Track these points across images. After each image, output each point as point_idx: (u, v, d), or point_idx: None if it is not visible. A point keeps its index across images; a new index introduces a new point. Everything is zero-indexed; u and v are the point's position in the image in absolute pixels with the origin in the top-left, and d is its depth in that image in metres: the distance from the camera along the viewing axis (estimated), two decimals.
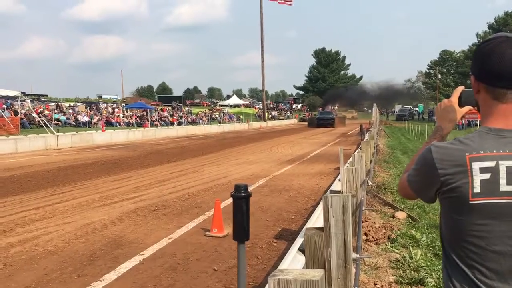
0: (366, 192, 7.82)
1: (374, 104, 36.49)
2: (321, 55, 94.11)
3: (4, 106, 30.86)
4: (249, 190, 2.05)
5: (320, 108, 73.93)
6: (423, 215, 6.96)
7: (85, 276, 4.58)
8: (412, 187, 1.43)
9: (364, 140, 13.14)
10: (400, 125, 46.67)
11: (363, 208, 5.69)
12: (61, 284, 4.39)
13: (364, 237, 5.65)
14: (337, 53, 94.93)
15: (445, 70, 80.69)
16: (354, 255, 3.40)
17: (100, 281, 4.45)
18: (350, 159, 6.79)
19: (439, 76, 78.11)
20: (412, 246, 5.27)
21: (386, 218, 6.81)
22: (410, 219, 6.73)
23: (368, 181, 8.77)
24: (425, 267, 4.51)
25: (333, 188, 6.00)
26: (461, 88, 1.59)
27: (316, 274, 1.54)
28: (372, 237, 5.74)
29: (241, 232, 2.07)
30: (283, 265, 2.69)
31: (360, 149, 10.13)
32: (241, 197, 2.08)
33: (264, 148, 20.60)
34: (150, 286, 4.34)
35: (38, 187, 9.90)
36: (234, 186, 2.09)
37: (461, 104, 1.56)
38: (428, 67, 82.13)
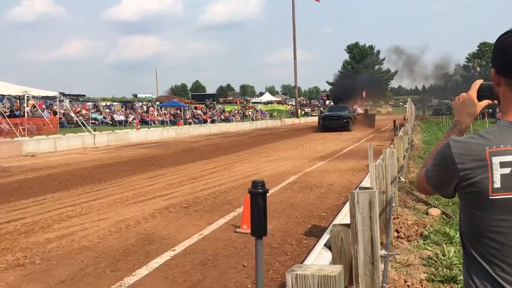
0: (399, 188, 7.69)
1: (409, 99, 36.53)
2: (354, 49, 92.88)
3: (44, 106, 31.91)
4: (266, 186, 2.05)
5: (325, 100, 60.45)
6: (458, 212, 6.79)
7: (118, 271, 4.70)
8: (430, 183, 1.41)
9: (398, 135, 12.92)
10: (437, 120, 43.52)
11: (394, 204, 5.59)
12: (95, 279, 4.52)
13: (395, 234, 5.57)
14: (371, 47, 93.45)
15: (484, 63, 78.36)
16: (382, 252, 3.35)
17: (133, 276, 4.56)
18: (382, 155, 6.70)
19: (478, 69, 75.88)
20: (445, 243, 5.16)
21: (419, 215, 6.68)
22: (444, 216, 6.58)
23: (401, 177, 8.62)
24: (458, 265, 4.40)
25: (363, 184, 5.95)
26: (480, 81, 1.56)
27: (334, 269, 1.54)
28: (404, 234, 5.64)
29: (258, 227, 2.08)
30: (308, 261, 2.68)
31: (393, 145, 9.97)
32: (258, 193, 2.09)
33: (296, 145, 20.54)
34: (180, 281, 4.41)
35: (75, 185, 10.20)
36: (252, 182, 2.10)
37: (479, 98, 1.52)
38: (466, 60, 79.95)
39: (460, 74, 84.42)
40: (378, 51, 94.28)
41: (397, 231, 5.68)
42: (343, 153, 16.57)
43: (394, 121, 19.77)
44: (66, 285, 4.36)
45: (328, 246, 3.19)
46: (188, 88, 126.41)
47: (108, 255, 5.22)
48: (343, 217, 3.92)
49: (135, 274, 4.59)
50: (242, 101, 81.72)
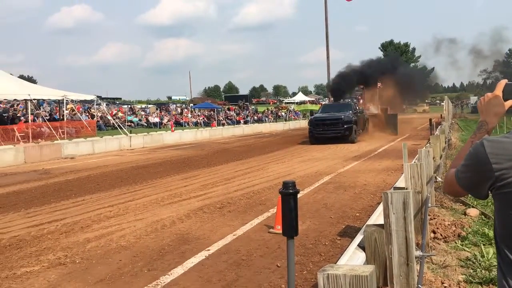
0: (435, 188, 7.53)
1: (446, 97, 34.79)
2: (389, 47, 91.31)
3: (82, 109, 32.82)
4: (297, 187, 2.06)
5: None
6: None
7: (154, 270, 4.80)
8: (462, 184, 1.40)
9: (434, 134, 12.64)
10: (475, 118, 42.90)
11: (430, 205, 5.48)
12: (132, 278, 4.63)
13: (432, 234, 5.46)
14: (406, 45, 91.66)
15: None
16: (417, 253, 3.30)
17: (168, 275, 4.65)
18: (418, 155, 6.58)
19: None
20: (484, 245, 5.03)
21: (456, 216, 6.54)
22: (483, 217, 6.41)
23: (437, 177, 8.42)
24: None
25: (397, 184, 5.85)
26: (504, 81, 1.53)
27: (366, 269, 1.53)
28: (441, 234, 5.53)
29: (290, 228, 2.10)
30: (341, 261, 2.68)
31: (429, 144, 9.76)
32: (289, 194, 2.10)
33: (330, 145, 20.39)
34: (215, 280, 4.46)
35: (113, 186, 10.46)
36: (283, 183, 2.12)
37: (505, 98, 1.50)
38: (506, 56, 77.36)
39: (499, 70, 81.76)
40: (414, 49, 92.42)
41: (433, 231, 5.57)
42: (378, 152, 16.35)
43: (430, 120, 19.34)
44: (105, 283, 4.49)
45: (361, 246, 3.16)
46: (221, 90, 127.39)
47: (145, 255, 5.33)
48: (377, 217, 3.88)
49: (171, 274, 4.68)
50: (275, 101, 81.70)
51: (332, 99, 31.53)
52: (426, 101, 71.58)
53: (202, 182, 10.53)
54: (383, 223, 3.10)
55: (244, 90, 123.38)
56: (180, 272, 4.73)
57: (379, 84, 29.08)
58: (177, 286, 4.36)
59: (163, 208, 7.84)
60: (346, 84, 29.13)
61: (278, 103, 76.13)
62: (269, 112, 52.95)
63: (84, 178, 12.11)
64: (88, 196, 9.29)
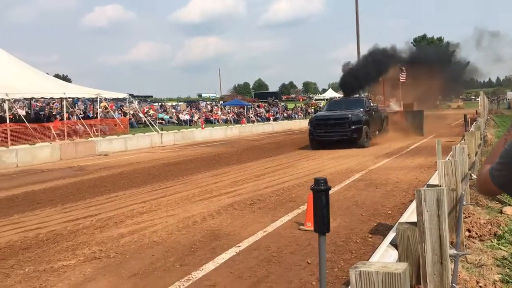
0: (470, 186, 7.36)
1: (481, 92, 33.40)
2: (421, 42, 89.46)
3: (115, 107, 33.50)
4: (328, 183, 2.06)
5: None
6: None
7: (186, 265, 4.87)
8: (497, 182, 1.36)
9: (469, 131, 12.33)
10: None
11: (464, 202, 5.37)
12: (165, 272, 4.71)
13: (466, 233, 5.34)
14: (440, 39, 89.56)
15: None
16: (451, 251, 3.24)
17: (200, 270, 4.70)
18: (452, 152, 6.44)
19: None
20: None
21: (492, 214, 6.37)
22: None
23: (472, 174, 8.23)
24: None
25: (431, 182, 5.75)
26: None
27: (399, 267, 1.52)
28: (476, 233, 5.41)
29: (321, 224, 2.09)
30: (373, 259, 2.65)
31: (464, 141, 9.54)
32: (321, 190, 2.10)
33: None
34: (246, 276, 4.49)
35: (145, 182, 10.64)
36: (314, 179, 2.11)
37: None
38: None
39: None
40: (448, 43, 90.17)
41: (468, 230, 5.45)
42: (410, 149, 16.06)
43: (465, 116, 18.82)
44: (138, 277, 4.59)
45: (394, 244, 3.13)
46: (251, 87, 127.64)
47: (177, 250, 5.41)
48: (410, 215, 3.83)
49: (202, 269, 4.73)
50: (305, 98, 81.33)
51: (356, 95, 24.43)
52: (461, 97, 69.63)
53: (232, 179, 10.60)
54: (416, 221, 3.05)
55: (273, 87, 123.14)
56: (212, 267, 4.79)
57: (403, 76, 24.73)
58: (209, 281, 4.41)
59: (194, 205, 7.93)
60: (362, 76, 23.92)
61: (307, 99, 75.77)
62: (299, 109, 52.76)
63: (117, 175, 12.37)
64: (121, 192, 9.49)
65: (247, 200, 8.06)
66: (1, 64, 22.32)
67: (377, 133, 19.05)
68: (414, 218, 3.27)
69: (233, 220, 6.77)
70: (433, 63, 25.82)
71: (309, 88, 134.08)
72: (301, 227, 6.10)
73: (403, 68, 24.83)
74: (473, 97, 68.35)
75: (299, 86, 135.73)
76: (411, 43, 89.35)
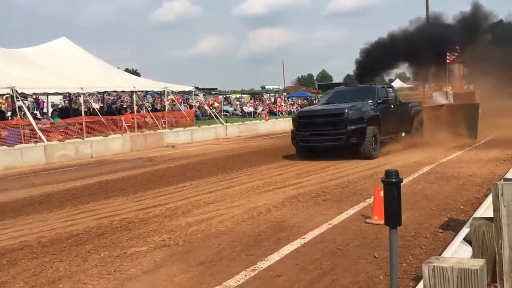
0: None
1: None
2: (498, 28, 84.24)
3: (181, 100, 34.46)
4: (400, 176, 2.00)
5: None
6: None
7: (251, 256, 4.93)
8: None
9: None
10: None
11: None
12: (231, 261, 4.80)
13: None
14: None
15: None
16: None
17: (265, 260, 4.75)
18: None
19: None
20: None
21: None
22: None
23: None
24: None
25: (508, 175, 5.45)
26: None
27: (476, 263, 1.46)
28: None
29: (392, 217, 2.04)
30: (446, 255, 2.56)
31: None
32: (392, 183, 2.04)
33: None
34: (311, 268, 4.48)
35: (211, 173, 10.89)
36: (385, 171, 2.06)
37: None
38: None
39: None
40: None
41: None
42: (485, 141, 15.21)
43: None
44: (206, 266, 4.71)
45: (467, 240, 3.01)
46: (314, 78, 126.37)
47: (242, 240, 5.50)
48: (485, 210, 3.65)
49: (268, 259, 4.78)
50: None
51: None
52: None
53: (297, 171, 10.58)
54: (492, 216, 2.91)
55: (338, 78, 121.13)
56: (276, 258, 4.82)
57: (452, 56, 18.40)
58: (274, 272, 4.44)
59: (259, 196, 8.01)
60: (385, 58, 17.89)
61: None
62: None
63: (184, 166, 12.75)
64: (188, 182, 9.77)
65: (312, 192, 8.02)
66: (77, 60, 23.66)
67: (402, 135, 13.94)
68: (489, 214, 3.11)
69: (298, 211, 6.77)
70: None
71: (375, 78, 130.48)
72: (368, 220, 5.99)
73: (457, 47, 18.38)
74: None
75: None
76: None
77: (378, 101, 12.78)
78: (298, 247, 5.16)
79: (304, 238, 5.46)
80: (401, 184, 2.57)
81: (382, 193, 6.00)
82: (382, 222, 5.73)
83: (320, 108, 13.56)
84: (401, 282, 3.99)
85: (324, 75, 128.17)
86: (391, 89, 14.36)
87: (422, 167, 10.26)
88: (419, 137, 14.72)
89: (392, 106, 13.38)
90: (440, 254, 4.35)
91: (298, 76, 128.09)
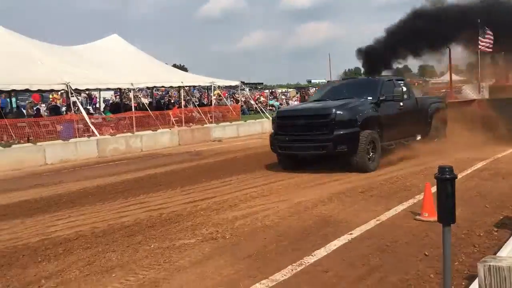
0: None
1: None
2: None
3: (227, 95, 34.78)
4: (454, 172, 1.93)
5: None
6: None
7: (298, 250, 4.93)
8: None
9: None
10: None
11: None
12: (277, 255, 4.82)
13: None
14: None
15: None
16: None
17: (312, 255, 4.74)
18: None
19: None
20: None
21: None
22: None
23: None
24: None
25: None
26: None
27: None
28: None
29: (446, 214, 1.98)
30: (502, 254, 2.46)
31: None
32: (446, 179, 1.98)
33: None
34: (358, 264, 4.43)
35: (256, 168, 10.92)
36: (438, 168, 2.00)
37: None
38: None
39: None
40: None
41: None
42: None
43: None
44: (253, 259, 4.75)
45: None
46: (361, 72, 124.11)
47: (288, 235, 5.50)
48: None
49: (314, 255, 4.76)
50: (420, 82, 77.08)
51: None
52: None
53: (344, 166, 10.44)
54: None
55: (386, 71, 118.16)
56: (323, 254, 4.79)
57: (487, 43, 14.97)
58: (321, 267, 4.42)
59: (305, 191, 7.98)
60: (401, 45, 14.55)
61: (423, 83, 71.73)
62: None
63: (231, 160, 12.88)
64: (234, 176, 9.85)
65: (359, 188, 7.91)
66: (128, 56, 24.36)
67: (417, 138, 11.54)
68: None
69: (345, 207, 6.70)
70: None
71: (426, 71, 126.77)
72: (417, 217, 5.84)
73: (488, 31, 14.94)
74: None
75: (414, 70, 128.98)
76: None
77: (381, 98, 10.28)
78: (346, 242, 5.11)
79: (351, 234, 5.40)
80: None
81: (433, 190, 5.84)
82: (433, 219, 5.58)
83: (304, 106, 11.37)
84: (453, 281, 3.87)
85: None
86: (401, 81, 11.60)
87: (476, 162, 9.85)
88: (441, 139, 12.24)
89: (401, 104, 10.74)
90: (495, 253, 4.18)
91: (345, 70, 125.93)
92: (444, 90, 20.18)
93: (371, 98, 10.29)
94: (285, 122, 10.40)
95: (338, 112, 9.44)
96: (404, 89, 11.10)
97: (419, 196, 6.82)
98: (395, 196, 7.21)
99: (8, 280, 4.63)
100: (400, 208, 6.47)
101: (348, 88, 11.49)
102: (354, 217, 6.13)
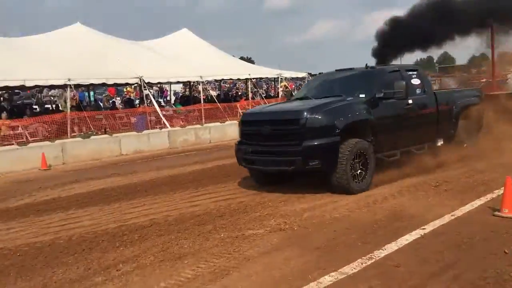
0: None
1: None
2: None
3: (294, 86, 34.65)
4: None
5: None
6: None
7: (368, 244, 4.84)
8: None
9: None
10: None
11: None
12: (346, 248, 4.76)
13: None
14: None
15: None
16: None
17: (382, 250, 4.64)
18: None
19: None
20: None
21: None
22: None
23: None
24: None
25: None
26: None
27: None
28: None
29: None
30: None
31: None
32: None
33: None
34: (432, 261, 4.28)
35: None
36: None
37: None
38: None
39: None
40: None
41: None
42: None
43: None
44: (322, 251, 4.73)
45: None
46: (435, 61, 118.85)
47: (358, 228, 5.42)
48: None
49: (385, 249, 4.65)
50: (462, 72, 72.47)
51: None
52: None
53: (415, 158, 10.06)
54: None
55: (462, 60, 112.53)
56: (394, 248, 4.67)
57: None
58: (392, 261, 4.32)
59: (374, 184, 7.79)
60: (422, 30, 10.97)
61: (462, 72, 67.46)
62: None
63: None
64: None
65: (432, 181, 7.61)
66: (196, 50, 24.93)
67: (438, 144, 9.15)
68: None
69: (416, 201, 6.48)
70: None
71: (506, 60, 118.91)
72: (496, 213, 5.53)
73: None
74: None
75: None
76: None
77: (378, 95, 7.86)
78: (418, 238, 4.95)
79: (424, 229, 5.22)
80: None
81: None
82: None
83: (272, 109, 8.57)
84: None
85: (446, 57, 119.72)
86: (414, 73, 9.01)
87: None
88: (471, 145, 9.69)
89: (409, 102, 8.29)
90: None
91: (417, 59, 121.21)
92: (484, 80, 16.22)
93: (363, 95, 7.90)
94: (249, 128, 8.07)
95: (310, 116, 7.12)
96: (418, 82, 8.84)
97: (497, 191, 6.49)
98: (472, 190, 6.87)
99: (89, 263, 4.94)
100: (477, 203, 6.17)
101: (340, 83, 8.96)
102: (427, 211, 5.91)
